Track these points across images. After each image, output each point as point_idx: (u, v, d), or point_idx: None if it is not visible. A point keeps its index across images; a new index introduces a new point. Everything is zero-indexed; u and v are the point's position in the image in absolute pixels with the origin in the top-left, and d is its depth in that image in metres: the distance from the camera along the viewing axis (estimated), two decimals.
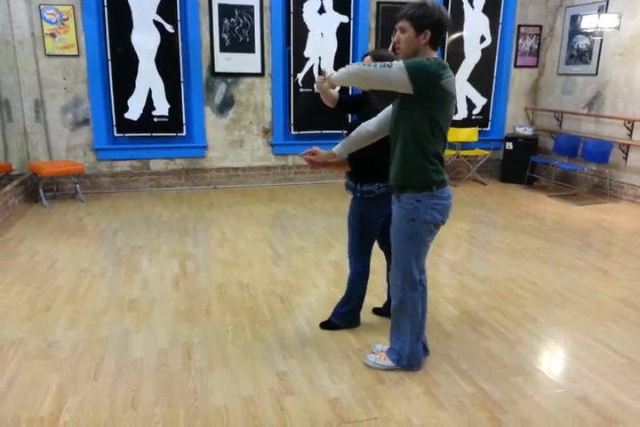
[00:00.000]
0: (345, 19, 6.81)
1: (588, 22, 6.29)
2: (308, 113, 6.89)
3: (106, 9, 6.06)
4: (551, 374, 2.71)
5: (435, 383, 2.60)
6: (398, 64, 2.20)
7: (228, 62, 6.61)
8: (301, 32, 6.72)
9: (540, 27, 7.54)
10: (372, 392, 2.52)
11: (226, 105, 6.77)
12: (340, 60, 6.81)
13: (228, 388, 2.54)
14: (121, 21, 6.15)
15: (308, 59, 6.84)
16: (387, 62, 2.22)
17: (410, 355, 2.65)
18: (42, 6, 5.90)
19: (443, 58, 6.50)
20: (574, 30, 7.02)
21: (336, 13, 6.78)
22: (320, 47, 6.81)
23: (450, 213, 2.55)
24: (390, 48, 2.48)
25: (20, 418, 2.30)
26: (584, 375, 2.69)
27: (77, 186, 6.18)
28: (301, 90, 6.88)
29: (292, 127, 6.99)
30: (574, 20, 6.99)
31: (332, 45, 6.84)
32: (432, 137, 2.36)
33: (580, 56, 7.00)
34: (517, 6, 7.37)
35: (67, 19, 6.00)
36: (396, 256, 2.58)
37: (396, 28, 2.37)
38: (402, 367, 2.67)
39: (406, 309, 2.60)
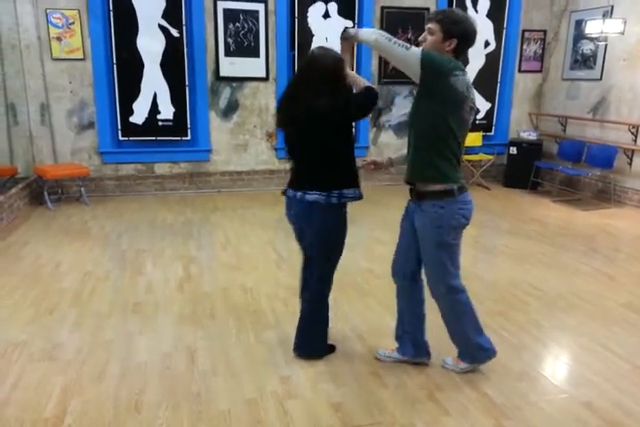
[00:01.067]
0: (349, 23, 6.82)
1: (593, 27, 6.28)
2: None
3: (111, 13, 6.11)
4: (555, 380, 2.71)
5: (438, 388, 2.59)
6: (417, 49, 2.24)
7: (232, 67, 6.63)
8: (306, 37, 6.74)
9: (545, 32, 7.55)
10: (375, 397, 2.51)
11: (230, 109, 6.79)
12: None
13: (232, 391, 2.54)
14: (126, 26, 6.18)
15: None
16: (406, 44, 2.25)
17: (480, 348, 2.64)
18: (48, 10, 5.94)
19: None
20: (579, 35, 7.02)
21: (340, 18, 6.80)
22: None
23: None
24: None
25: (23, 420, 2.31)
26: (588, 381, 2.68)
27: (82, 189, 6.20)
28: None
29: None
30: (579, 24, 7.00)
31: (336, 50, 6.84)
32: (443, 136, 2.36)
33: (584, 61, 7.00)
34: (522, 11, 7.38)
35: (73, 23, 6.04)
36: (429, 265, 2.56)
37: (425, 28, 2.42)
38: (481, 362, 2.67)
39: (459, 309, 2.58)
